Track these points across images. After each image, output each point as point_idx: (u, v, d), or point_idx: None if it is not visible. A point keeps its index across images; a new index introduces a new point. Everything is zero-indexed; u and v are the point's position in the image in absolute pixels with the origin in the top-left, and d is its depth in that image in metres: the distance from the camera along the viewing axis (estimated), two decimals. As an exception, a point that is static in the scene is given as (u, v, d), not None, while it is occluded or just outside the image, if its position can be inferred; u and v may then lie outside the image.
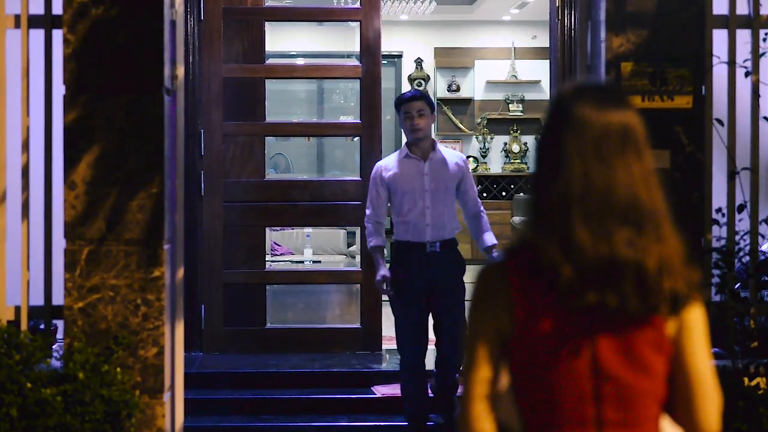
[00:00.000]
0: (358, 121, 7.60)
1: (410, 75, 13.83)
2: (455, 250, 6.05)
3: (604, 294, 2.12)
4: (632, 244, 2.13)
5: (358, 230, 8.96)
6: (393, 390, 6.60)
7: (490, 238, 6.17)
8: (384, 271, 6.05)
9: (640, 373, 2.17)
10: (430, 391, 6.14)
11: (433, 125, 6.21)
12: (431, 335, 6.13)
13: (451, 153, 6.28)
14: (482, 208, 6.24)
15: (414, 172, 6.11)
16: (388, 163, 6.21)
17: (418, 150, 6.17)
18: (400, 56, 13.95)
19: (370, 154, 7.50)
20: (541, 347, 2.16)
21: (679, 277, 2.15)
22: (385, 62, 13.23)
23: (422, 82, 13.77)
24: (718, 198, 5.54)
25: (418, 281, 5.98)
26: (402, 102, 6.14)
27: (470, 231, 6.21)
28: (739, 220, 5.51)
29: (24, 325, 5.28)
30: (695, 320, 2.20)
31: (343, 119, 12.49)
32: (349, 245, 11.92)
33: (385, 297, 6.63)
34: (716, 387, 2.21)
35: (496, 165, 13.90)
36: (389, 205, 6.22)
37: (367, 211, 6.20)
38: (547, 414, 2.18)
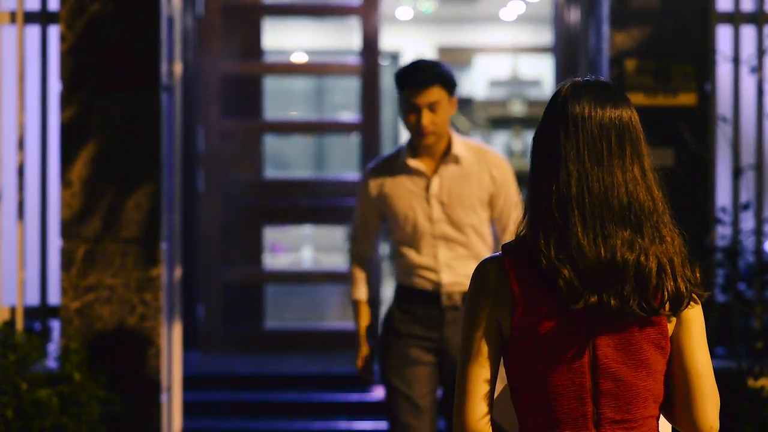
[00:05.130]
0: (358, 118, 7.55)
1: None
2: None
3: (604, 295, 2.12)
4: (632, 245, 2.13)
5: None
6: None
7: None
8: (364, 349, 4.36)
9: (639, 371, 2.16)
10: None
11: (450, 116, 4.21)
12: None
13: (480, 154, 4.30)
14: None
15: (415, 193, 4.22)
16: (380, 174, 4.29)
17: (427, 156, 4.23)
18: (400, 54, 13.91)
19: (370, 151, 7.45)
20: (540, 345, 2.15)
21: (680, 277, 2.15)
22: (386, 62, 13.18)
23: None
24: (722, 196, 5.49)
25: (426, 345, 4.17)
26: (407, 86, 4.13)
27: None
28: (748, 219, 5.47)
29: (19, 326, 5.23)
30: (695, 319, 2.20)
31: (343, 115, 12.44)
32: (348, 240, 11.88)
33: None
34: (715, 385, 2.21)
35: (496, 163, 13.84)
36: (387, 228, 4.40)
37: (350, 244, 4.44)
38: (545, 413, 2.17)
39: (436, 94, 4.10)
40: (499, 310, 2.18)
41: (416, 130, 4.13)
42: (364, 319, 4.37)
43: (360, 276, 4.37)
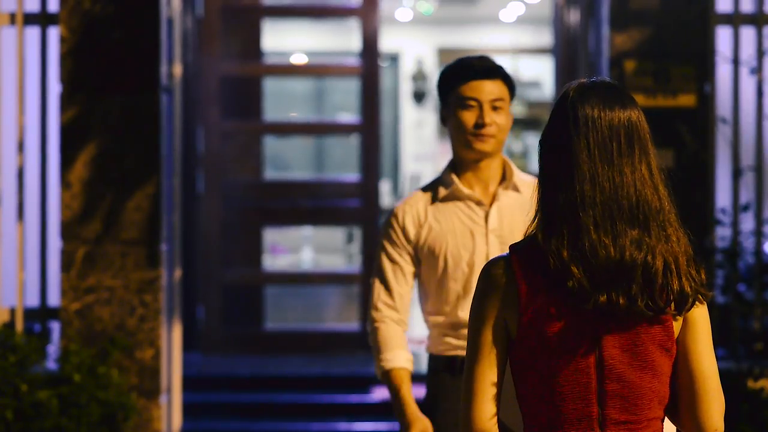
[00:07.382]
0: (358, 119, 7.55)
1: (413, 75, 13.78)
2: None
3: (613, 295, 2.12)
4: (639, 245, 2.13)
5: (356, 229, 8.91)
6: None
7: None
8: (421, 424, 3.23)
9: (645, 373, 2.16)
10: None
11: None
12: None
13: (530, 184, 3.36)
14: None
15: (470, 228, 3.32)
16: (417, 210, 3.35)
17: (478, 181, 3.35)
18: (400, 55, 13.91)
19: (370, 153, 7.45)
20: (546, 345, 2.15)
21: (684, 276, 2.15)
22: (386, 63, 13.18)
23: (422, 81, 13.73)
24: (722, 197, 5.49)
25: None
26: (463, 79, 3.30)
27: None
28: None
29: (19, 327, 5.23)
30: (700, 320, 2.20)
31: (342, 116, 12.44)
32: (348, 241, 11.88)
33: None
34: (720, 388, 2.21)
35: (496, 164, 13.82)
36: (417, 282, 3.41)
37: (374, 300, 3.35)
38: (551, 413, 2.17)
39: (500, 89, 3.30)
40: (507, 310, 2.18)
41: (473, 131, 3.26)
42: (409, 386, 3.27)
43: (393, 339, 3.30)
